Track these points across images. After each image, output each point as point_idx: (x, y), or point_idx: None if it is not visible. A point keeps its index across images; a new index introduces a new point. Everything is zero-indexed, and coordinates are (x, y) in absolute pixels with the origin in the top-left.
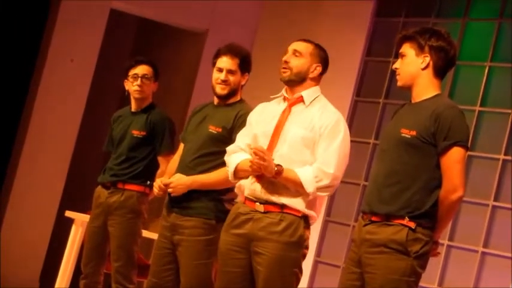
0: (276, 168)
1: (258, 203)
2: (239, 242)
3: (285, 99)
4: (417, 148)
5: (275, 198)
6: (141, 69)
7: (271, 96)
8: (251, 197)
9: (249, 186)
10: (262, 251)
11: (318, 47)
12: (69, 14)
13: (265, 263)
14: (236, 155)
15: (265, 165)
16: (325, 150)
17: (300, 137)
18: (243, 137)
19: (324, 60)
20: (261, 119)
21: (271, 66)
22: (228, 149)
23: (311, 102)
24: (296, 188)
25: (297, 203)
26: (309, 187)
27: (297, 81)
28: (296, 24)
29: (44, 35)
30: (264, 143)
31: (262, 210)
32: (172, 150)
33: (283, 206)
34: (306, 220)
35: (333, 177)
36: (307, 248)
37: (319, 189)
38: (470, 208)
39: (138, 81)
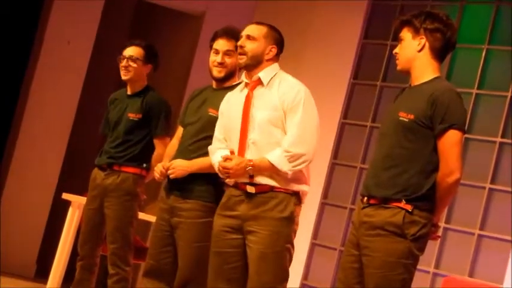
0: (248, 169)
1: (249, 185)
2: (232, 224)
3: (246, 85)
4: (415, 132)
5: (264, 181)
6: (128, 51)
7: (233, 84)
8: (242, 181)
9: None
10: (256, 229)
11: (271, 28)
12: None
13: (259, 240)
14: (215, 155)
15: (232, 173)
16: (290, 125)
17: (267, 120)
18: (219, 129)
19: (278, 41)
20: (228, 108)
21: None
22: (209, 148)
23: (269, 81)
24: (274, 173)
25: (285, 183)
26: (283, 166)
27: (253, 64)
28: (293, 8)
29: (40, 17)
30: (235, 134)
31: (254, 191)
32: (168, 133)
33: (273, 185)
34: (297, 197)
35: (299, 153)
36: (297, 224)
37: (292, 162)
38: (467, 191)
39: (123, 62)
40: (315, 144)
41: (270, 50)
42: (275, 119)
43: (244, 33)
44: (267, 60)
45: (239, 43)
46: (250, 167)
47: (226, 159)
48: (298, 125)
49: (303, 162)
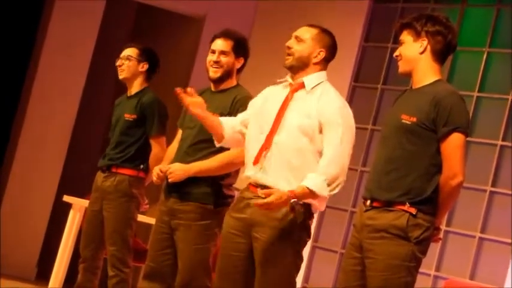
0: (292, 202)
1: (259, 189)
2: (240, 226)
3: (290, 85)
4: (417, 134)
5: (277, 187)
6: (124, 52)
7: (278, 80)
8: (254, 184)
9: (254, 175)
10: (260, 237)
11: (323, 31)
12: None
13: (263, 249)
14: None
15: (273, 206)
16: (327, 146)
17: (297, 125)
18: (243, 115)
19: (329, 45)
20: (263, 103)
21: (270, 52)
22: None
23: (313, 88)
24: (313, 198)
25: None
26: (323, 191)
27: (299, 66)
28: (294, 10)
29: (41, 21)
30: (261, 129)
31: (264, 196)
32: (163, 132)
33: None
34: (307, 208)
35: (336, 175)
36: (308, 236)
37: (330, 186)
38: (468, 194)
39: (118, 62)
40: (347, 165)
41: (318, 53)
42: (305, 126)
43: (294, 34)
44: (314, 64)
45: (287, 44)
46: (293, 200)
47: (265, 194)
48: (336, 147)
49: (338, 185)
